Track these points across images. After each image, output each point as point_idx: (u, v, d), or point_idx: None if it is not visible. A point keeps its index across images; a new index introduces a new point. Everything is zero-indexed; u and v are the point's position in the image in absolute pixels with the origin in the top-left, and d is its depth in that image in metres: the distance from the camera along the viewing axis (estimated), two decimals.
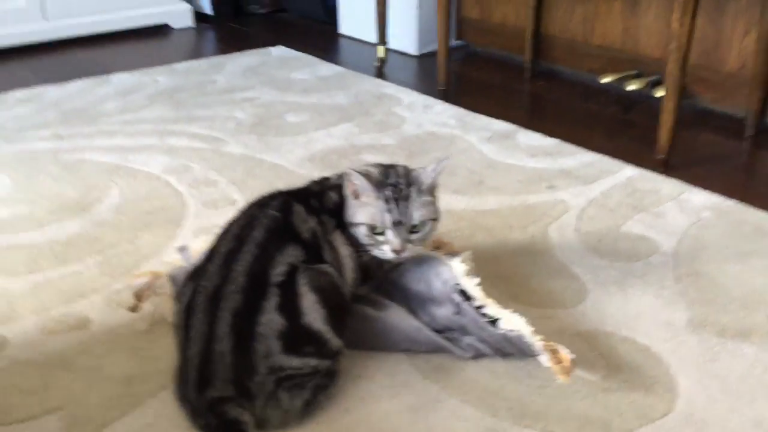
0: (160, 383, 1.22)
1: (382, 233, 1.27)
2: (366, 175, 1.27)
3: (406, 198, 1.28)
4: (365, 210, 1.27)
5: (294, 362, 1.12)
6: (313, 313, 1.14)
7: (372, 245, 1.28)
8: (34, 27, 3.25)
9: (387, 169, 1.33)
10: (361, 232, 1.28)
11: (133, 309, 1.37)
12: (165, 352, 1.28)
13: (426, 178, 1.31)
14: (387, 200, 1.26)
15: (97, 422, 1.14)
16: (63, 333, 1.35)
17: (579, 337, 1.33)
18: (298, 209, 1.25)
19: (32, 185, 1.95)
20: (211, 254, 1.21)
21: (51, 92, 2.68)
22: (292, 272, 1.16)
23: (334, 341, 1.16)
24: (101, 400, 1.19)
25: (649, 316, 1.39)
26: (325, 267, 1.22)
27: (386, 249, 1.27)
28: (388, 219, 1.26)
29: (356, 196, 1.28)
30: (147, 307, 1.37)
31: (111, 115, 2.46)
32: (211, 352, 1.10)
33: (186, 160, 2.10)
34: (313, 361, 1.14)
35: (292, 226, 1.23)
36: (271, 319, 1.12)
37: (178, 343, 1.17)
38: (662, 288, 1.48)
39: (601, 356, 1.28)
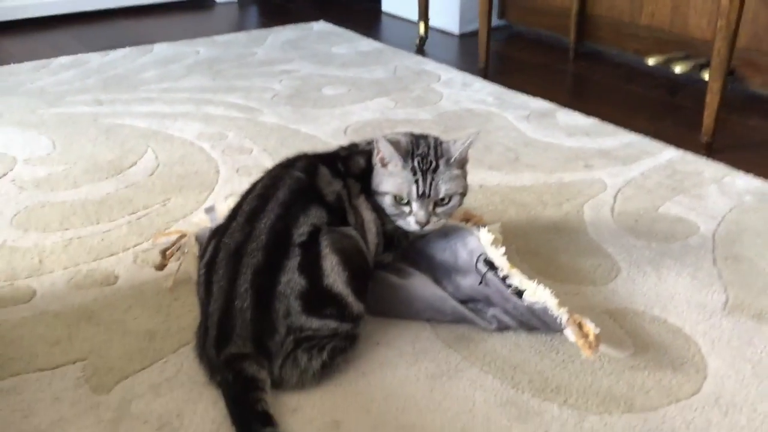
0: (181, 339, 1.22)
1: (407, 204, 1.25)
2: (395, 143, 1.25)
3: (434, 170, 1.25)
4: (392, 179, 1.25)
5: (314, 323, 1.11)
6: (334, 275, 1.13)
7: (397, 215, 1.26)
8: None
9: (417, 138, 1.30)
10: (387, 202, 1.26)
11: (160, 267, 1.38)
12: (188, 309, 1.29)
13: (455, 151, 1.28)
14: (414, 171, 1.24)
15: (118, 373, 1.15)
16: (90, 288, 1.37)
17: (607, 315, 1.29)
18: (323, 171, 1.24)
19: (71, 147, 1.98)
20: (234, 212, 1.21)
21: (94, 60, 2.72)
22: (314, 233, 1.15)
23: (355, 305, 1.15)
24: (123, 352, 1.20)
25: (683, 297, 1.34)
26: (349, 230, 1.20)
27: (410, 220, 1.25)
28: (414, 190, 1.23)
29: (383, 164, 1.26)
30: (173, 265, 1.37)
31: (150, 83, 2.48)
32: (231, 308, 1.10)
33: (221, 128, 2.10)
34: (332, 324, 1.13)
35: (317, 188, 1.21)
36: (291, 279, 1.11)
37: (200, 299, 1.18)
38: (699, 270, 1.43)
39: (630, 335, 1.25)
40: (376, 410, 1.08)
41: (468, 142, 1.28)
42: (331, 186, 1.23)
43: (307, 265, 1.13)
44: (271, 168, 1.28)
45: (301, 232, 1.15)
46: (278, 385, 1.10)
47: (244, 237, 1.14)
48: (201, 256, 1.23)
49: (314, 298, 1.12)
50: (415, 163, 1.24)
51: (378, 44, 2.95)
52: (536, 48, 2.99)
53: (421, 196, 1.24)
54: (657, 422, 1.06)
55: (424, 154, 1.26)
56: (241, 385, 1.06)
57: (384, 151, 1.25)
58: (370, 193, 1.28)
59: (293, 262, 1.12)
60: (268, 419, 1.02)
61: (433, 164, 1.25)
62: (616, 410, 1.08)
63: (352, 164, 1.30)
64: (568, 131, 2.10)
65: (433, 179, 1.24)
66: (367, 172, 1.29)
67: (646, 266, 1.44)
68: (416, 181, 1.23)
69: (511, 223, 1.59)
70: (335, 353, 1.13)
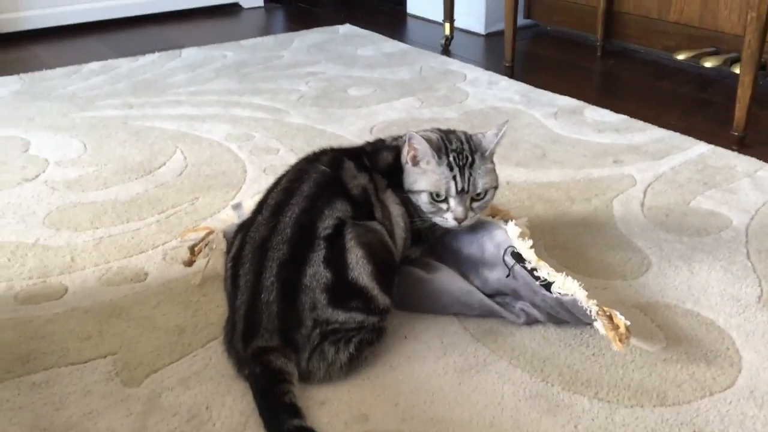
0: (210, 334, 1.23)
1: (444, 200, 1.24)
2: (427, 140, 1.24)
3: (471, 165, 1.24)
4: (427, 177, 1.24)
5: (340, 316, 1.11)
6: (359, 268, 1.13)
7: (434, 212, 1.25)
8: (111, 3, 3.35)
9: (447, 134, 1.30)
10: (423, 200, 1.24)
11: (188, 263, 1.39)
12: (216, 305, 1.30)
13: (488, 144, 1.27)
14: (451, 167, 1.23)
15: (148, 367, 1.16)
16: (120, 284, 1.38)
17: (638, 309, 1.27)
18: (348, 165, 1.24)
19: (101, 149, 2.00)
20: (259, 207, 1.21)
21: (124, 65, 2.76)
22: (339, 226, 1.15)
23: (381, 298, 1.15)
24: (152, 347, 1.21)
25: (716, 291, 1.32)
26: (374, 224, 1.20)
27: (448, 217, 1.24)
28: (452, 186, 1.22)
29: (415, 162, 1.25)
30: (201, 261, 1.38)
31: (179, 87, 2.51)
32: (257, 301, 1.11)
33: (248, 129, 2.12)
34: (359, 317, 1.13)
35: (341, 182, 1.21)
36: (317, 272, 1.11)
37: (227, 293, 1.18)
38: (732, 263, 1.40)
39: (661, 328, 1.23)
40: (404, 403, 1.07)
41: (501, 133, 1.27)
42: (356, 180, 1.23)
43: (332, 258, 1.13)
44: (296, 162, 1.28)
45: (326, 225, 1.15)
46: (305, 378, 1.10)
47: (270, 231, 1.15)
48: (228, 251, 1.24)
49: (340, 291, 1.12)
50: (451, 159, 1.23)
51: (403, 45, 2.95)
52: (563, 46, 2.97)
53: (460, 192, 1.23)
54: (690, 415, 1.04)
55: (458, 149, 1.25)
56: (268, 377, 1.06)
57: (419, 147, 1.23)
58: (397, 188, 1.27)
59: (318, 255, 1.12)
60: (295, 411, 1.02)
61: (469, 159, 1.24)
62: (648, 403, 1.06)
63: (378, 159, 1.30)
64: (597, 128, 2.08)
65: (470, 174, 1.24)
66: (393, 168, 1.29)
67: (677, 260, 1.42)
68: (454, 177, 1.22)
69: (539, 219, 1.58)
70: (362, 346, 1.13)
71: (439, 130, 1.32)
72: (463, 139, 1.28)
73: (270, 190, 1.24)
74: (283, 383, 1.05)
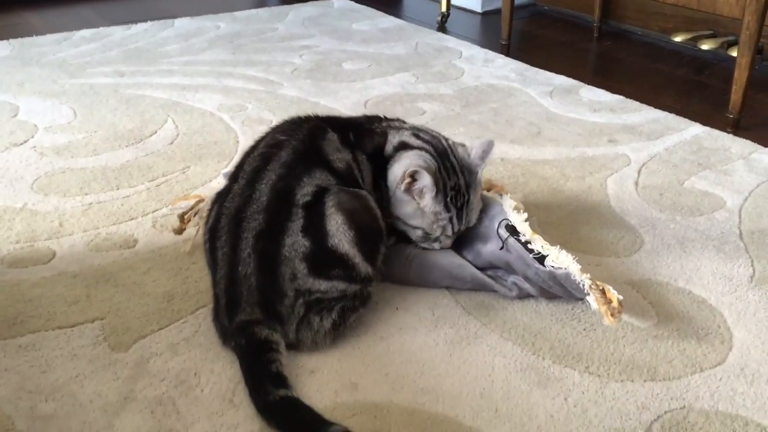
0: (199, 301, 1.22)
1: (437, 238, 1.24)
2: (431, 173, 1.17)
3: (467, 203, 1.23)
4: (425, 217, 1.21)
5: (322, 285, 1.09)
6: (339, 234, 1.09)
7: (422, 240, 1.25)
8: None
9: (443, 158, 1.23)
10: (416, 234, 1.23)
11: (178, 231, 1.38)
12: (206, 273, 1.26)
13: (476, 165, 1.25)
14: (448, 208, 1.21)
15: (136, 333, 1.14)
16: (109, 250, 1.37)
17: (630, 286, 1.27)
18: (332, 137, 1.19)
19: (91, 116, 1.98)
20: (236, 173, 1.17)
21: (116, 33, 2.72)
22: (319, 194, 1.11)
23: (363, 266, 1.11)
24: (141, 313, 1.19)
25: (708, 270, 1.32)
26: (360, 191, 1.16)
27: (436, 245, 1.25)
28: (449, 229, 1.23)
29: (413, 193, 1.20)
30: (191, 229, 1.37)
31: (171, 56, 2.47)
32: (236, 275, 1.07)
33: (241, 100, 2.09)
34: (341, 285, 1.10)
35: (321, 152, 1.16)
36: (295, 241, 1.08)
37: (208, 266, 1.15)
38: (725, 243, 1.40)
39: (653, 305, 1.22)
40: (394, 373, 1.07)
41: (488, 157, 1.26)
42: (339, 153, 1.18)
43: (311, 226, 1.09)
44: (277, 125, 1.24)
45: (305, 192, 1.11)
46: (294, 347, 1.09)
47: (245, 200, 1.11)
48: (206, 222, 1.19)
49: (319, 260, 1.09)
50: (449, 199, 1.21)
51: (399, 21, 2.93)
52: (560, 27, 2.95)
53: (455, 233, 1.24)
54: (680, 390, 1.04)
55: (456, 186, 1.22)
56: (254, 347, 1.04)
57: (426, 184, 1.18)
58: (378, 182, 1.23)
59: (296, 224, 1.09)
60: (281, 380, 1.00)
61: (465, 197, 1.23)
62: (638, 378, 1.06)
63: (365, 141, 1.24)
64: (592, 107, 2.07)
65: (466, 214, 1.24)
66: (379, 155, 1.24)
67: (670, 239, 1.42)
68: (451, 219, 1.22)
69: (533, 196, 1.57)
70: (345, 312, 1.11)
71: (435, 150, 1.23)
72: (458, 169, 1.23)
73: (247, 154, 1.20)
74: (270, 352, 1.04)
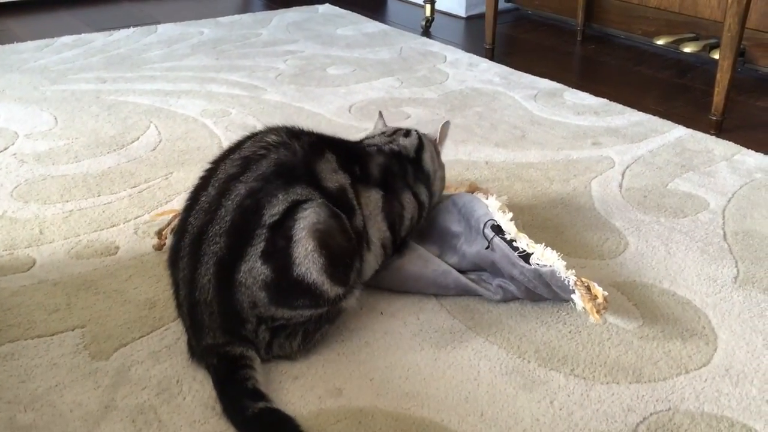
0: None
1: None
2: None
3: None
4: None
5: (285, 313, 1.03)
6: (308, 263, 1.01)
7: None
8: None
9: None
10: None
11: (158, 247, 1.35)
12: None
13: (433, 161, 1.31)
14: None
15: (117, 341, 1.13)
16: (90, 258, 1.35)
17: (615, 288, 1.27)
18: (330, 157, 1.11)
19: (73, 123, 1.96)
20: (207, 178, 1.07)
21: (98, 39, 2.70)
22: (291, 209, 1.02)
23: (332, 290, 1.05)
24: (122, 321, 1.18)
25: (693, 271, 1.32)
26: (336, 210, 1.07)
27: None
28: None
29: None
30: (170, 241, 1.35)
31: (154, 62, 2.46)
32: (195, 300, 1.02)
33: (224, 106, 2.08)
34: (306, 312, 1.05)
35: (313, 170, 1.07)
36: (252, 268, 1.00)
37: (172, 284, 1.08)
38: (709, 244, 1.40)
39: (638, 307, 1.22)
40: (378, 378, 1.06)
41: (445, 139, 1.34)
42: (335, 175, 1.10)
43: (274, 251, 1.00)
44: (272, 127, 1.13)
45: (275, 212, 1.01)
46: (267, 361, 1.07)
47: (209, 218, 1.02)
48: (174, 233, 1.10)
49: (283, 290, 1.01)
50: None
51: (383, 26, 2.93)
52: (543, 31, 2.96)
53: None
54: (666, 392, 1.04)
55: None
56: (227, 365, 1.00)
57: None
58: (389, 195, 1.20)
59: (256, 248, 1.00)
60: (259, 395, 0.97)
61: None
62: (623, 380, 1.06)
63: (371, 168, 1.20)
64: (576, 110, 2.07)
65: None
66: (388, 175, 1.22)
67: (654, 241, 1.42)
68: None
69: (518, 198, 1.57)
70: (309, 335, 1.07)
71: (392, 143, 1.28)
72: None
73: (228, 152, 1.08)
74: (244, 369, 1.00)
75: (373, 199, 1.17)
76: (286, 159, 1.06)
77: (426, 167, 1.30)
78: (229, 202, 1.02)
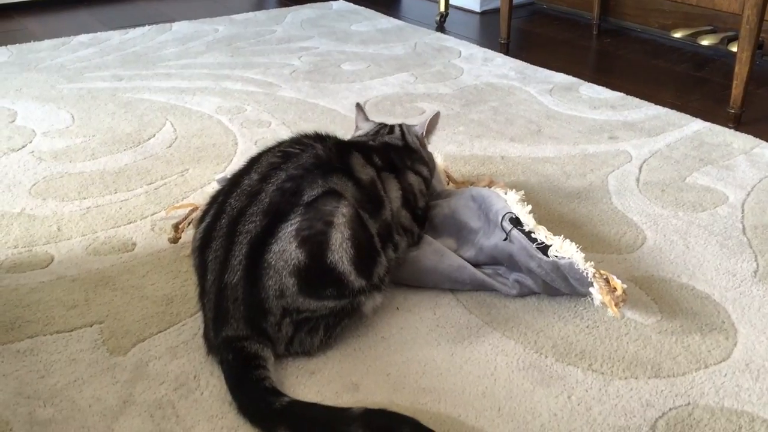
0: (198, 305, 1.20)
1: None
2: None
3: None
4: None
5: (312, 305, 1.03)
6: (341, 251, 1.02)
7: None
8: None
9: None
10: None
11: (174, 241, 1.36)
12: None
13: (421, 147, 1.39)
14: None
15: (135, 336, 1.13)
16: (108, 254, 1.36)
17: (633, 282, 1.26)
18: (357, 156, 1.18)
19: (90, 120, 1.97)
20: (249, 166, 1.11)
21: (113, 37, 2.71)
22: (331, 193, 1.05)
23: (357, 282, 1.06)
24: (140, 316, 1.18)
25: (711, 265, 1.31)
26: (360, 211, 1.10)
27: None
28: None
29: None
30: (190, 233, 1.36)
31: (169, 60, 2.47)
32: (224, 284, 1.01)
33: (239, 102, 2.09)
34: (331, 303, 1.05)
35: (348, 164, 1.14)
36: (285, 249, 0.99)
37: (196, 271, 1.08)
38: (728, 238, 1.39)
39: (656, 301, 1.21)
40: (395, 373, 1.06)
41: (434, 129, 1.39)
42: (365, 169, 1.17)
43: (310, 235, 1.00)
44: (303, 132, 1.20)
45: (314, 193, 1.04)
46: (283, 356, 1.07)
47: (249, 200, 1.04)
48: (200, 220, 1.11)
49: (313, 277, 1.01)
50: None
51: (398, 22, 2.92)
52: (559, 25, 2.94)
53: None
54: (685, 387, 1.03)
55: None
56: (241, 364, 0.99)
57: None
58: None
59: (291, 227, 1.00)
60: (278, 393, 0.96)
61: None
62: (642, 375, 1.05)
63: (389, 156, 1.28)
64: (592, 104, 2.06)
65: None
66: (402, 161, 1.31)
67: (672, 235, 1.40)
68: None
69: (534, 193, 1.56)
70: (330, 330, 1.07)
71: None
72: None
73: (266, 150, 1.14)
74: (259, 369, 0.99)
75: (392, 183, 1.24)
76: (323, 153, 1.13)
77: (415, 147, 1.36)
78: (270, 186, 1.06)
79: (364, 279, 1.07)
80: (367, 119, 1.44)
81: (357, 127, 1.44)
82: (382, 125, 1.40)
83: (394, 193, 1.23)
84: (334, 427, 0.92)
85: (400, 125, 1.39)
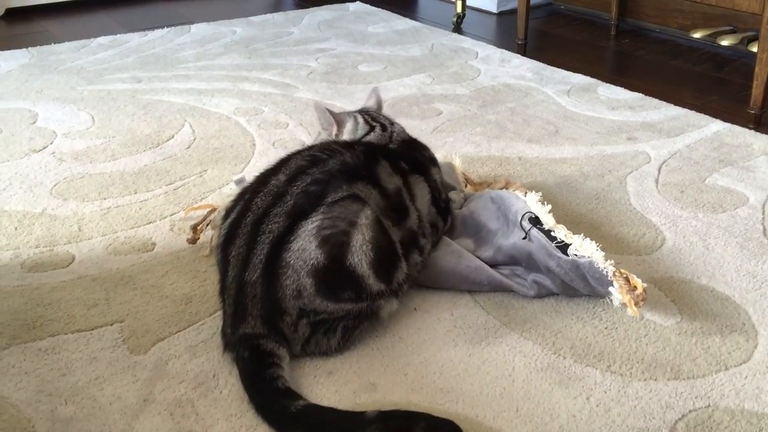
0: (217, 304, 1.20)
1: None
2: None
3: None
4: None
5: (329, 307, 1.03)
6: (361, 253, 1.03)
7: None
8: None
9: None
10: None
11: (192, 241, 1.37)
12: None
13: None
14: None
15: (155, 335, 1.14)
16: (128, 254, 1.37)
17: (652, 284, 1.25)
18: (384, 164, 1.18)
19: (109, 122, 1.99)
20: (278, 166, 1.12)
21: (133, 39, 2.73)
22: (354, 197, 1.06)
23: (375, 285, 1.06)
24: (160, 315, 1.19)
25: (732, 267, 1.30)
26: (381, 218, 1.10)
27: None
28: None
29: None
30: (208, 233, 1.37)
31: (188, 62, 2.48)
32: (244, 281, 1.02)
33: (257, 104, 2.10)
34: (348, 306, 1.05)
35: (374, 172, 1.14)
36: (305, 248, 1.00)
37: (218, 267, 1.10)
38: (748, 240, 1.38)
39: (675, 303, 1.20)
40: (413, 374, 1.06)
41: (381, 102, 1.46)
42: (392, 178, 1.17)
43: (332, 235, 1.01)
44: (330, 140, 1.22)
45: (337, 196, 1.05)
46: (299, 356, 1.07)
47: (274, 201, 1.06)
48: (224, 217, 1.13)
49: (332, 279, 1.01)
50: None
51: (414, 23, 2.92)
52: (576, 25, 2.93)
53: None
54: (705, 389, 1.02)
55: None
56: (256, 362, 1.00)
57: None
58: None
59: (312, 225, 1.01)
60: (293, 394, 0.97)
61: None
62: (661, 377, 1.04)
63: (414, 159, 1.29)
64: (611, 105, 2.05)
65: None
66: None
67: (692, 236, 1.39)
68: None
69: (551, 194, 1.56)
70: (348, 332, 1.07)
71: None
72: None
73: (294, 154, 1.15)
74: (273, 367, 0.99)
75: (422, 185, 1.24)
76: (350, 160, 1.13)
77: (413, 137, 1.38)
78: (295, 188, 1.07)
79: (384, 283, 1.08)
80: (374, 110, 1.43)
81: (323, 128, 1.36)
82: (370, 125, 1.34)
83: (425, 196, 1.24)
84: (350, 431, 0.93)
85: (388, 120, 1.38)
